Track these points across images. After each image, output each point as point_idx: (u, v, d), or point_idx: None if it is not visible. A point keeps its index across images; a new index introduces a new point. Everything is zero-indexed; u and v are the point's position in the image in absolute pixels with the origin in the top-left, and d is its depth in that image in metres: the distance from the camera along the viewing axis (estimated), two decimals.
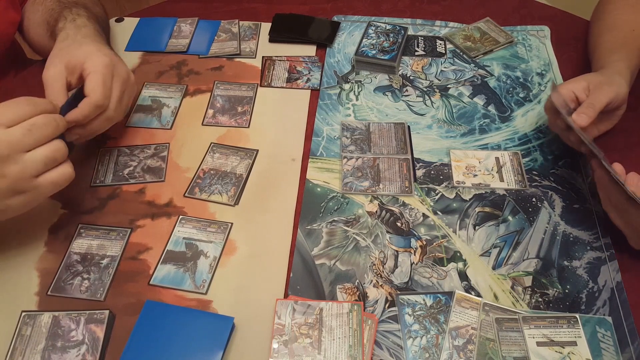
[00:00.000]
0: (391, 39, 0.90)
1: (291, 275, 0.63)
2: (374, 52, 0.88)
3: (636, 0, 0.81)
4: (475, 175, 0.72)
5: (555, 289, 0.61)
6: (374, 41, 0.90)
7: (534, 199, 0.70)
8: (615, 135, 0.74)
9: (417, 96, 0.84)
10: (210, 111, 0.82)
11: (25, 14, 0.85)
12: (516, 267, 0.63)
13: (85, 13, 0.76)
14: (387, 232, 0.67)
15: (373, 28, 0.92)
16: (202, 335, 0.57)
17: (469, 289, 0.61)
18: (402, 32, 0.91)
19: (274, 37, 0.94)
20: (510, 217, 0.68)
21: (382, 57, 0.87)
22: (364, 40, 0.90)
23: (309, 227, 0.67)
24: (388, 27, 0.92)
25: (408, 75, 0.87)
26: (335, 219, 0.68)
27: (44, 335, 0.58)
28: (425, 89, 0.85)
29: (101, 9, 0.88)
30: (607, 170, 0.60)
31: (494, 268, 0.63)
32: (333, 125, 0.80)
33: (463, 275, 0.63)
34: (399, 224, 0.68)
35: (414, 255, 0.64)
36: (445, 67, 0.88)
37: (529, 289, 0.61)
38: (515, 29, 0.94)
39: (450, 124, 0.79)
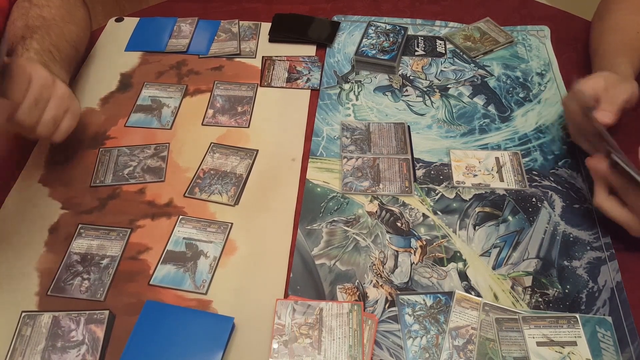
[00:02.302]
0: (391, 39, 0.90)
1: (291, 275, 0.63)
2: (373, 52, 0.88)
3: None
4: (475, 175, 0.72)
5: (555, 289, 0.61)
6: (374, 41, 0.90)
7: (534, 199, 0.70)
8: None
9: (417, 96, 0.84)
10: (210, 111, 0.82)
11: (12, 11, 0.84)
12: (516, 267, 0.63)
13: (37, 46, 0.74)
14: (387, 232, 0.67)
15: (373, 28, 0.92)
16: (202, 335, 0.57)
17: (469, 289, 0.61)
18: (402, 32, 0.91)
19: (274, 37, 0.94)
20: (510, 217, 0.68)
21: (382, 57, 0.87)
22: (363, 40, 0.90)
23: (309, 227, 0.67)
24: (388, 27, 0.92)
25: (408, 75, 0.87)
26: (335, 219, 0.68)
27: (44, 335, 0.58)
28: (425, 89, 0.85)
29: (74, 26, 0.84)
30: (620, 166, 0.59)
31: (494, 268, 0.63)
32: (333, 125, 0.80)
33: (463, 275, 0.63)
34: (399, 224, 0.68)
35: (414, 255, 0.64)
36: (445, 67, 0.88)
37: (529, 289, 0.61)
38: (515, 29, 0.94)
39: (450, 124, 0.79)
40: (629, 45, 0.76)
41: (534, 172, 0.73)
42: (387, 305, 0.60)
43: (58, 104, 0.67)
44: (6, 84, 0.62)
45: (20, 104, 0.63)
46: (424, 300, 0.60)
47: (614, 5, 0.83)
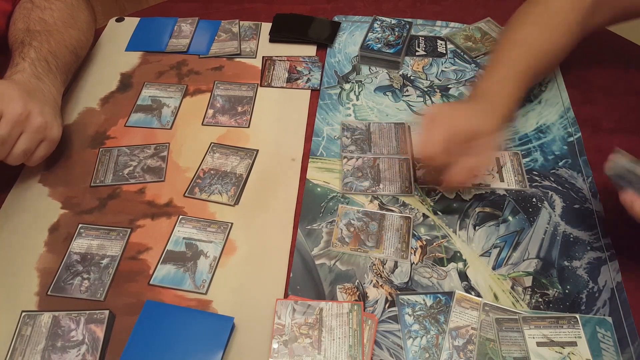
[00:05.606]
0: (396, 33, 0.90)
1: (291, 275, 0.63)
2: (379, 45, 0.88)
3: None
4: (475, 175, 0.72)
5: (555, 289, 0.61)
6: (379, 35, 0.90)
7: (534, 199, 0.70)
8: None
9: (417, 96, 0.84)
10: (210, 111, 0.82)
11: (14, 12, 0.84)
12: (516, 267, 0.63)
13: (34, 55, 0.73)
14: None
15: (378, 22, 0.92)
16: (202, 335, 0.57)
17: (469, 289, 0.61)
18: (407, 26, 0.91)
19: (274, 37, 0.94)
20: (510, 217, 0.68)
21: (387, 51, 0.87)
22: (369, 34, 0.90)
23: (309, 227, 0.67)
24: (393, 21, 0.92)
25: (409, 75, 0.87)
26: (335, 219, 0.68)
27: (44, 335, 0.58)
28: (425, 89, 0.85)
29: (76, 30, 0.83)
30: None
31: (494, 268, 0.63)
32: (333, 125, 0.80)
33: (463, 276, 0.63)
34: None
35: (414, 255, 0.64)
36: (446, 67, 0.88)
37: (529, 289, 0.61)
38: None
39: None
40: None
41: (534, 172, 0.73)
42: (387, 305, 0.60)
43: (31, 137, 0.67)
44: None
45: None
46: (424, 300, 0.60)
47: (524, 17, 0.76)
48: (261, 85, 0.86)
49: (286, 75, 0.87)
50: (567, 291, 0.61)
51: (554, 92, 0.83)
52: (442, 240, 0.66)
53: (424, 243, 0.66)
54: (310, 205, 0.69)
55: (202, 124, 0.80)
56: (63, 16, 0.82)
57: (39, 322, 0.59)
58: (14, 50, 0.76)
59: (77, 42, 0.83)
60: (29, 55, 0.73)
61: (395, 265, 0.63)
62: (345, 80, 0.86)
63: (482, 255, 0.64)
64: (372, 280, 0.62)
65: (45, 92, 0.72)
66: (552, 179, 0.72)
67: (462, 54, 0.90)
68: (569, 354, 0.55)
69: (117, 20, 0.99)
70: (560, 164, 0.74)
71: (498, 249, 0.65)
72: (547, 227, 0.67)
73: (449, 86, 0.85)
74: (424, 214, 0.68)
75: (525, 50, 0.72)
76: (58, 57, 0.77)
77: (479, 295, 0.61)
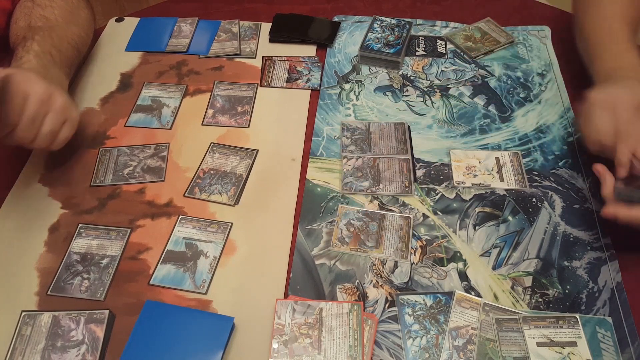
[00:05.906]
0: (396, 33, 0.90)
1: (291, 275, 0.63)
2: (379, 45, 0.88)
3: None
4: (475, 176, 0.72)
5: (555, 289, 0.61)
6: (379, 35, 0.90)
7: (534, 199, 0.70)
8: None
9: (417, 96, 0.84)
10: (210, 111, 0.82)
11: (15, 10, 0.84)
12: (516, 268, 0.63)
13: (37, 48, 0.74)
14: None
15: (378, 22, 0.92)
16: (202, 335, 0.57)
17: (469, 289, 0.61)
18: (407, 26, 0.91)
19: (274, 37, 0.94)
20: (510, 217, 0.68)
21: (387, 51, 0.87)
22: (369, 34, 0.90)
23: (309, 227, 0.67)
24: (393, 21, 0.92)
25: (408, 75, 0.87)
26: (335, 219, 0.68)
27: (43, 335, 0.58)
28: (425, 89, 0.85)
29: (77, 27, 0.84)
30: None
31: (494, 268, 0.63)
32: (333, 125, 0.80)
33: (463, 276, 0.63)
34: None
35: (414, 255, 0.64)
36: (445, 67, 0.88)
37: (529, 289, 0.61)
38: (516, 29, 0.94)
39: (450, 124, 0.79)
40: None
41: (534, 172, 0.73)
42: (387, 305, 0.60)
43: (56, 117, 0.67)
44: (3, 105, 0.61)
45: (17, 124, 0.63)
46: (424, 300, 0.60)
47: None
48: (261, 85, 0.86)
49: (286, 75, 0.87)
50: (567, 291, 0.61)
51: (554, 92, 0.83)
52: (442, 240, 0.66)
53: (424, 243, 0.66)
54: (310, 205, 0.69)
55: (202, 124, 0.81)
56: (64, 13, 0.83)
57: (39, 321, 0.59)
58: (16, 46, 0.76)
59: (79, 38, 0.83)
60: (33, 48, 0.73)
61: (395, 265, 0.63)
62: (345, 80, 0.86)
63: (482, 255, 0.64)
64: (372, 280, 0.62)
65: (55, 80, 0.72)
66: (552, 179, 0.72)
67: (462, 54, 0.90)
68: (569, 354, 0.55)
69: (117, 20, 0.99)
70: (560, 164, 0.74)
71: (498, 249, 0.65)
72: (547, 227, 0.67)
73: (449, 86, 0.85)
74: (424, 214, 0.68)
75: (622, 23, 0.73)
76: (61, 51, 0.77)
77: (479, 295, 0.61)
